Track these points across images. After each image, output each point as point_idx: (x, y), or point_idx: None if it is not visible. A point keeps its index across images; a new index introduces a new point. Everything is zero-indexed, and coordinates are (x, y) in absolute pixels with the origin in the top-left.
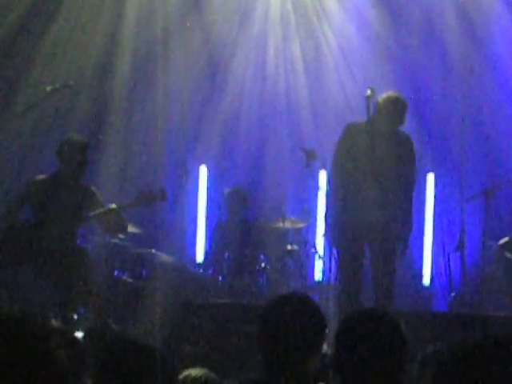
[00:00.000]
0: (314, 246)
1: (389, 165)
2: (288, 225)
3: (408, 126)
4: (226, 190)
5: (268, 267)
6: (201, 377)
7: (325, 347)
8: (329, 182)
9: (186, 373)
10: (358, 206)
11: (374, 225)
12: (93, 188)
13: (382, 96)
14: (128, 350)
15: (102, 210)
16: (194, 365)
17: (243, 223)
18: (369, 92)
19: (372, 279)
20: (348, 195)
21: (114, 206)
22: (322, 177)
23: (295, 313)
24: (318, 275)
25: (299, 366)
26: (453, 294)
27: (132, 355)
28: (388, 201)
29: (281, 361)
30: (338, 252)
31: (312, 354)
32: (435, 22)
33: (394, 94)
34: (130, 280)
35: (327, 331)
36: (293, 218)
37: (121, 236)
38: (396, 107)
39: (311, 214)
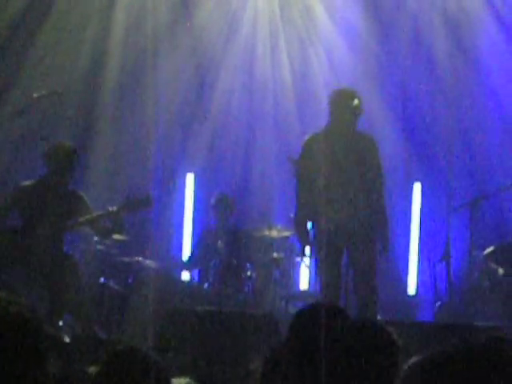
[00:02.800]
0: (300, 255)
1: (351, 167)
2: (274, 233)
3: (395, 136)
4: (213, 198)
5: (254, 275)
6: None
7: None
8: (296, 194)
9: None
10: (330, 212)
11: (348, 229)
12: (81, 193)
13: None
14: (126, 358)
15: (89, 216)
16: (179, 373)
17: (231, 231)
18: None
19: (353, 284)
20: (318, 203)
21: (100, 212)
22: None
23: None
24: (303, 284)
25: None
26: (438, 304)
27: (131, 363)
28: (357, 203)
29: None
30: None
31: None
32: (423, 32)
33: (339, 88)
34: (116, 287)
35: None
36: (279, 227)
37: (106, 241)
38: (341, 98)
39: None
